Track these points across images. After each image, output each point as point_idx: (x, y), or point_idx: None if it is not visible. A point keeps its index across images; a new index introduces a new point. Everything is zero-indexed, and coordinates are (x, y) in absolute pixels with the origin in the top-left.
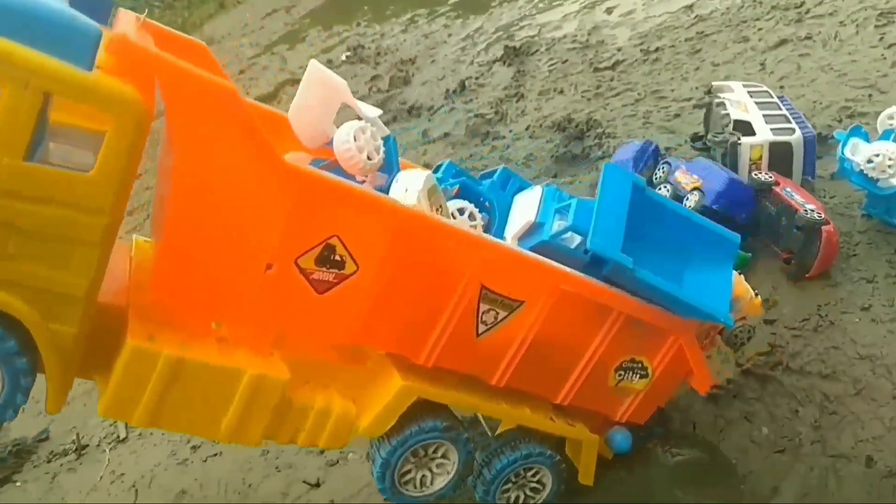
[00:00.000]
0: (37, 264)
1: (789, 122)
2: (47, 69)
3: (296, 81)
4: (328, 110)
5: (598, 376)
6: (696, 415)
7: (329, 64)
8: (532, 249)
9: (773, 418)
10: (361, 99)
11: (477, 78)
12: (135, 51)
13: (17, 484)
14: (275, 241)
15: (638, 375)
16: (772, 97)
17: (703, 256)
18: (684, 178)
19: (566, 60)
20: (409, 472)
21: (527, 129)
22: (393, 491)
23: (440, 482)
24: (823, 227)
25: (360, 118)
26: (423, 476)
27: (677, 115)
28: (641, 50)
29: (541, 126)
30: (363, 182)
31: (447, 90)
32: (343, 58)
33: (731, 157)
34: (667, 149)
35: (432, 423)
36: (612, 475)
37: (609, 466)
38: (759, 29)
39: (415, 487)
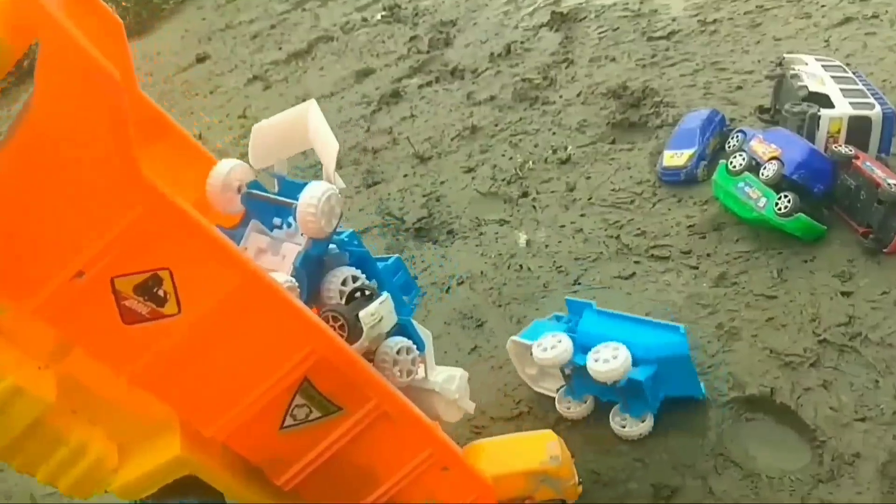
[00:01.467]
0: None
1: (867, 97)
2: None
3: (329, 38)
4: (292, 149)
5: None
6: (772, 381)
7: (364, 23)
8: None
9: (852, 388)
10: (400, 59)
11: (523, 42)
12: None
13: None
14: (97, 249)
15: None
16: (847, 72)
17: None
18: (761, 148)
19: (617, 28)
20: None
21: (578, 95)
22: None
23: None
24: None
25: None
26: None
27: (739, 88)
28: (698, 21)
29: (593, 93)
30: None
31: (491, 53)
32: (378, 17)
33: (808, 130)
34: (731, 120)
35: (197, 500)
36: (685, 440)
37: (682, 432)
38: (822, 6)
39: None
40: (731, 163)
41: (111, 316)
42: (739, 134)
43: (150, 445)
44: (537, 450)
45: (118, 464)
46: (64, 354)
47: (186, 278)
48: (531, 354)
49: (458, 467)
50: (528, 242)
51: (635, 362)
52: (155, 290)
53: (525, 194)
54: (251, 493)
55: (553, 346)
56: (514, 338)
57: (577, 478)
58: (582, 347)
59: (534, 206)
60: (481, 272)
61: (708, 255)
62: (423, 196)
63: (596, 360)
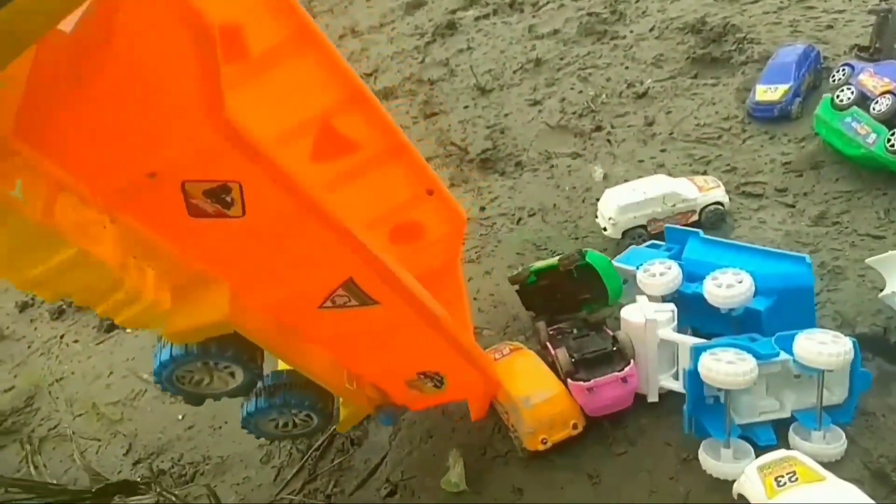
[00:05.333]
0: None
1: None
2: None
3: None
4: None
5: (402, 372)
6: (885, 320)
7: None
8: None
9: None
10: None
11: None
12: None
13: None
14: (174, 155)
15: (433, 384)
16: None
17: None
18: (872, 81)
19: None
20: (190, 372)
21: (651, 29)
22: (166, 380)
23: (216, 388)
24: None
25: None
26: (203, 379)
27: (830, 27)
28: None
29: (668, 28)
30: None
31: None
32: None
33: None
34: (824, 58)
35: (233, 351)
36: None
37: None
38: None
39: (189, 384)
40: (838, 96)
41: (179, 208)
42: (846, 67)
43: (201, 299)
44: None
45: (170, 305)
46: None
47: (255, 192)
48: (637, 280)
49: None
50: (604, 176)
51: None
52: (224, 197)
53: (598, 128)
54: (282, 348)
55: (662, 273)
56: (615, 261)
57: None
58: (688, 276)
59: (608, 141)
60: (554, 205)
61: (805, 193)
62: (487, 128)
63: (718, 286)
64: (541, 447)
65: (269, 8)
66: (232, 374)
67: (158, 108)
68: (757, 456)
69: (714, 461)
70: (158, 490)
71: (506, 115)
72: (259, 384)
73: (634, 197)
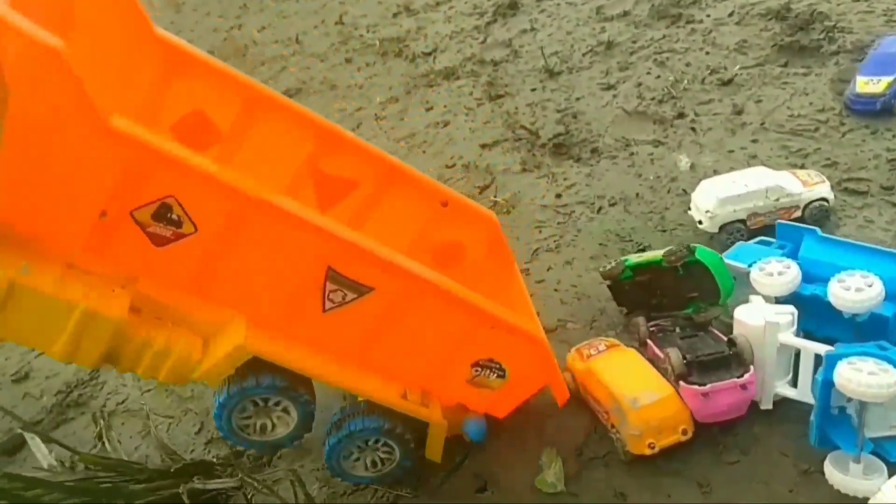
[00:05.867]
0: None
1: None
2: None
3: None
4: None
5: (453, 369)
6: None
7: None
8: None
9: None
10: None
11: None
12: None
13: None
14: (107, 192)
15: (495, 375)
16: None
17: None
18: None
19: None
20: (248, 417)
21: (730, 14)
22: (230, 431)
23: (280, 432)
24: None
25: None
26: (264, 424)
27: None
28: None
29: (749, 13)
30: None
31: None
32: None
33: None
34: None
35: (270, 379)
36: None
37: None
38: None
39: (254, 432)
40: None
41: (144, 243)
42: None
43: (222, 338)
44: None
45: (202, 355)
46: (136, 278)
47: (191, 202)
48: (751, 279)
49: (503, 326)
50: (691, 166)
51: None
52: (169, 216)
53: (681, 115)
54: (315, 367)
55: (780, 272)
56: (724, 257)
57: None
58: (804, 276)
59: (693, 129)
60: (637, 194)
61: None
62: (558, 111)
63: (846, 289)
64: (647, 451)
65: (213, 85)
66: (286, 411)
67: (63, 144)
68: (889, 473)
69: (842, 476)
70: (239, 475)
71: (577, 98)
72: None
73: (735, 189)
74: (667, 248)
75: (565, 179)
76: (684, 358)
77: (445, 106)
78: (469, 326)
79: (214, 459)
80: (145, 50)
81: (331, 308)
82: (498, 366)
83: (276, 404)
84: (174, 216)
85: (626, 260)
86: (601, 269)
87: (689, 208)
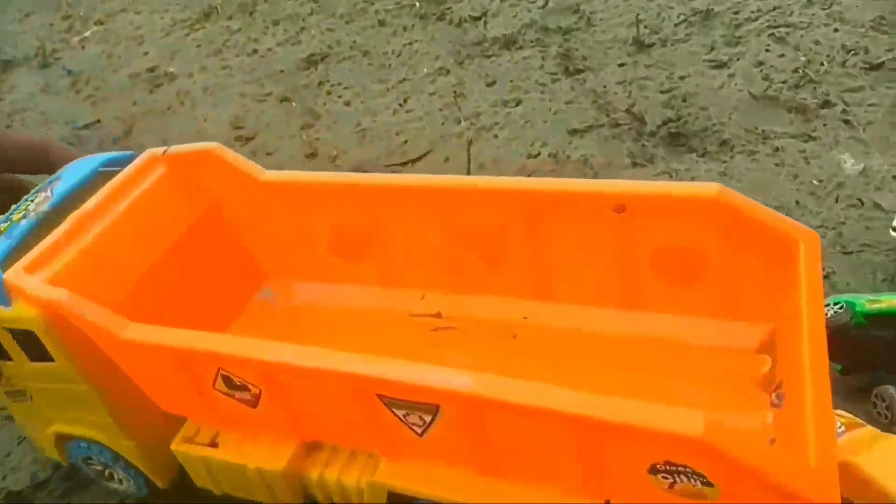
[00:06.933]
0: None
1: None
2: None
3: None
4: None
5: (625, 477)
6: None
7: None
8: None
9: None
10: None
11: None
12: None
13: None
14: (186, 381)
15: (697, 481)
16: None
17: None
18: None
19: None
20: None
21: None
22: None
23: None
24: None
25: None
26: None
27: None
28: None
29: None
30: None
31: None
32: None
33: None
34: None
35: None
36: None
37: None
38: None
39: None
40: None
41: (242, 407)
42: None
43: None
44: None
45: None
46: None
47: (236, 371)
48: None
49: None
50: (862, 170)
51: None
52: (234, 383)
53: (826, 104)
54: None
55: None
56: None
57: None
58: None
59: (846, 122)
60: (796, 202)
61: None
62: (661, 93)
63: None
64: None
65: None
66: None
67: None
68: None
69: None
70: None
71: (681, 77)
72: None
73: None
74: None
75: (692, 178)
76: None
77: (512, 81)
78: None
79: None
80: None
81: (424, 432)
82: (687, 469)
83: None
84: (237, 382)
85: (851, 304)
86: None
87: (894, 228)
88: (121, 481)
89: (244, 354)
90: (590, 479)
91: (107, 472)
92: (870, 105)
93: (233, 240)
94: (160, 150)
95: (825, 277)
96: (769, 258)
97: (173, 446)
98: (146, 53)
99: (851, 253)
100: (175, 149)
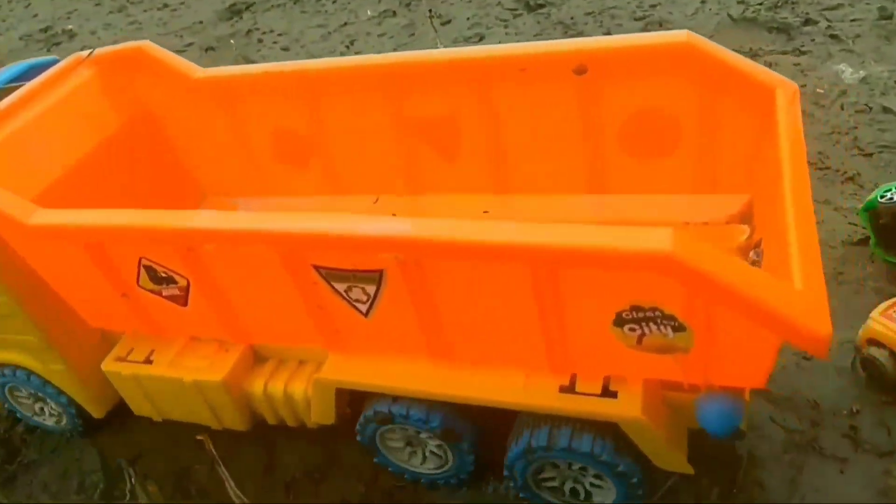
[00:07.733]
0: None
1: None
2: None
3: None
4: None
5: (590, 336)
6: None
7: None
8: None
9: None
10: None
11: None
12: None
13: None
14: (107, 279)
15: (666, 327)
16: None
17: None
18: None
19: None
20: (395, 440)
21: None
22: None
23: (430, 465)
24: None
25: None
26: (412, 453)
27: None
28: None
29: None
30: None
31: None
32: None
33: None
34: None
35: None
36: None
37: None
38: None
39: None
40: None
41: (172, 307)
42: None
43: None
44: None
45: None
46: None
47: (157, 258)
48: None
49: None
50: (863, 78)
51: None
52: (159, 276)
53: (808, 21)
54: (417, 382)
55: None
56: None
57: None
58: None
59: (833, 36)
60: (802, 111)
61: None
62: (636, 20)
63: None
64: None
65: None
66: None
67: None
68: None
69: None
70: None
71: (651, 6)
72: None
73: None
74: None
75: None
76: None
77: (469, 18)
78: (536, 271)
79: None
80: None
81: (368, 310)
82: (658, 312)
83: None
84: (162, 275)
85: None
86: (870, 199)
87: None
88: (52, 416)
89: (163, 224)
90: (553, 349)
91: (37, 406)
92: (853, 20)
93: (169, 152)
94: (86, 52)
95: (850, 179)
96: (744, 112)
97: (104, 366)
98: (35, 15)
99: (871, 154)
100: (102, 50)
